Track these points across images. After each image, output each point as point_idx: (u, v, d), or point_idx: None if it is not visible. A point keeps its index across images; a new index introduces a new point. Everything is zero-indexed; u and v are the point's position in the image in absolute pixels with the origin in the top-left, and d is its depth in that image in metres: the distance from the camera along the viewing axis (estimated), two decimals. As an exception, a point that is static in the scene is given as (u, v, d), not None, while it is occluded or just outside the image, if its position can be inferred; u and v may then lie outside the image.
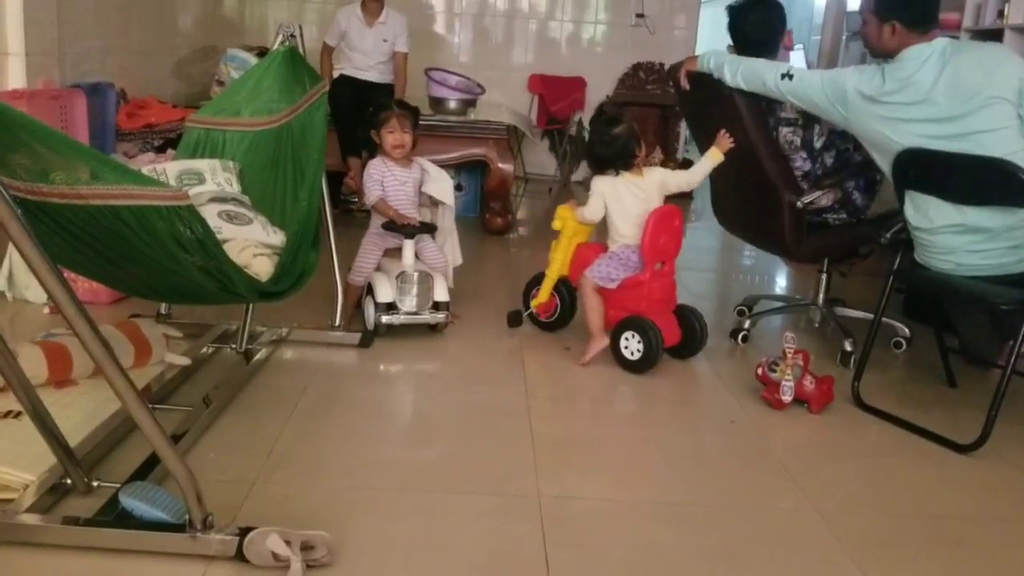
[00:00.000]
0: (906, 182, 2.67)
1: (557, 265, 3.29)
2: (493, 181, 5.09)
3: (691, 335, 3.13)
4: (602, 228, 3.23)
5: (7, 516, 1.80)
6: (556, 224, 3.27)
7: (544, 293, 3.31)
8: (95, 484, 1.98)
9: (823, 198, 3.15)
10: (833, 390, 2.78)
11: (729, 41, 3.38)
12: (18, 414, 2.17)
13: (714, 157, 3.09)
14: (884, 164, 2.76)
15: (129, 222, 1.63)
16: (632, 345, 2.98)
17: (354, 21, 5.22)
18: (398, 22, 5.30)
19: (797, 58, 6.42)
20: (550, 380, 2.96)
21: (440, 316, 3.25)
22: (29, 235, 1.41)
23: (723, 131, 3.09)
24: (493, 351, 3.22)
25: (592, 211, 3.11)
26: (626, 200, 3.05)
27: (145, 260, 1.80)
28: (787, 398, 2.72)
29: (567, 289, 3.34)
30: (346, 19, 5.24)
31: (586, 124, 7.12)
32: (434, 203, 3.50)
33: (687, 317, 3.13)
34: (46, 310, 3.20)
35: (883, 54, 2.79)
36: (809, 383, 2.74)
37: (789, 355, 2.73)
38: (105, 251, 1.79)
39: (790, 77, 2.92)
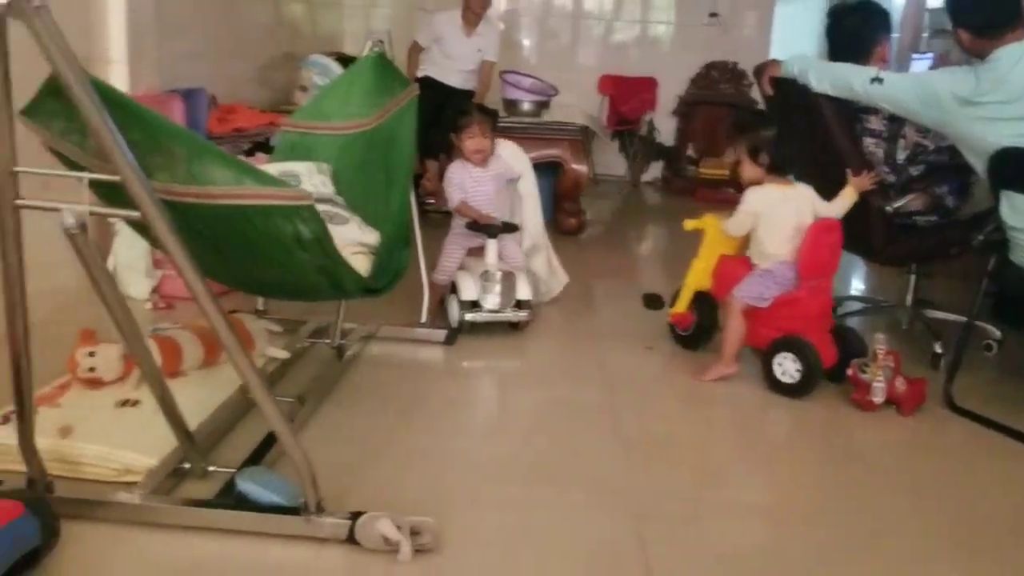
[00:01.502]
0: (1002, 182, 2.64)
1: (696, 275, 3.10)
2: (567, 182, 5.13)
3: (848, 357, 2.83)
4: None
5: (132, 497, 1.90)
6: (689, 224, 3.11)
7: (682, 303, 3.14)
8: (210, 469, 2.07)
9: (914, 202, 3.12)
10: (925, 392, 2.76)
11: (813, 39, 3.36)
12: (135, 403, 2.28)
13: (850, 197, 2.94)
14: (979, 165, 2.74)
15: (254, 221, 1.72)
16: (788, 367, 2.79)
17: (453, 29, 5.28)
18: (494, 32, 5.37)
19: (920, 66, 6.13)
20: (633, 378, 3.00)
21: (522, 314, 3.31)
22: (173, 233, 1.51)
23: (867, 172, 3.00)
24: (574, 350, 3.27)
25: (738, 226, 2.95)
26: (780, 213, 2.88)
27: (262, 257, 1.90)
28: (878, 400, 2.69)
29: (707, 303, 3.13)
30: (446, 25, 5.29)
31: (657, 125, 7.19)
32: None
33: (844, 336, 2.91)
34: (148, 306, 3.34)
35: (975, 55, 2.77)
36: (901, 385, 2.72)
37: (880, 356, 2.71)
38: (224, 248, 1.89)
39: (879, 81, 2.89)
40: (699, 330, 3.18)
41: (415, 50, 5.31)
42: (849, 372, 2.75)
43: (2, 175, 1.51)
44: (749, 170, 2.93)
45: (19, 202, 1.55)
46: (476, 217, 3.34)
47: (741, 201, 2.93)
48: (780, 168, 2.89)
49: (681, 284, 3.17)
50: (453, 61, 5.32)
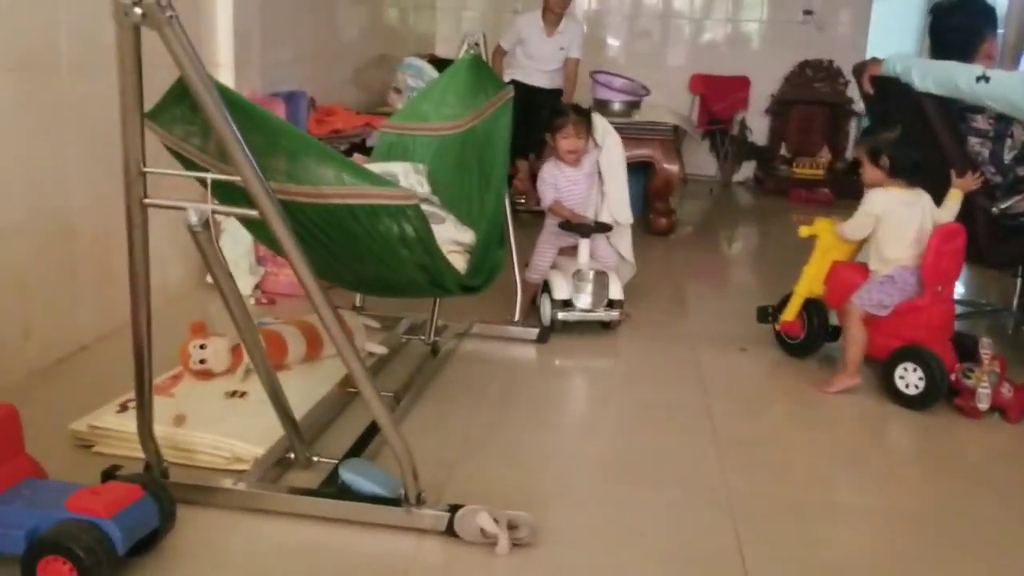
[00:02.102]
0: (1116, 182, 2.55)
1: (807, 281, 3.02)
2: (658, 182, 5.11)
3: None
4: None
5: (241, 485, 1.99)
6: (804, 231, 3.03)
7: (792, 311, 3.07)
8: (315, 459, 2.15)
9: (1021, 203, 3.02)
10: None
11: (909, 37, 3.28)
12: (243, 394, 2.38)
13: (956, 199, 2.87)
14: (1091, 165, 2.65)
15: (362, 219, 1.78)
16: (910, 378, 2.69)
17: (534, 30, 5.32)
18: (575, 30, 5.39)
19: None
20: (727, 379, 2.97)
21: (614, 314, 3.31)
22: (290, 231, 1.57)
23: (972, 173, 2.92)
24: (666, 350, 3.26)
25: (857, 229, 2.87)
26: (902, 218, 2.80)
27: (367, 255, 1.96)
28: (983, 406, 2.62)
29: (817, 310, 3.07)
30: (527, 27, 5.35)
31: (749, 124, 7.09)
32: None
33: (967, 346, 2.78)
34: (251, 301, 3.46)
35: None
36: (1007, 391, 2.64)
37: (985, 361, 2.63)
38: (331, 245, 1.95)
39: (986, 79, 2.81)
40: (809, 338, 3.10)
41: (499, 54, 5.35)
42: (952, 377, 2.68)
43: (133, 175, 1.60)
44: (870, 173, 2.86)
45: (147, 200, 1.65)
46: (568, 217, 3.36)
47: (862, 202, 2.86)
48: (901, 171, 2.80)
49: (789, 291, 3.10)
50: (536, 62, 5.35)
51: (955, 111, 3.06)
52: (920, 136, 3.02)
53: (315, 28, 4.77)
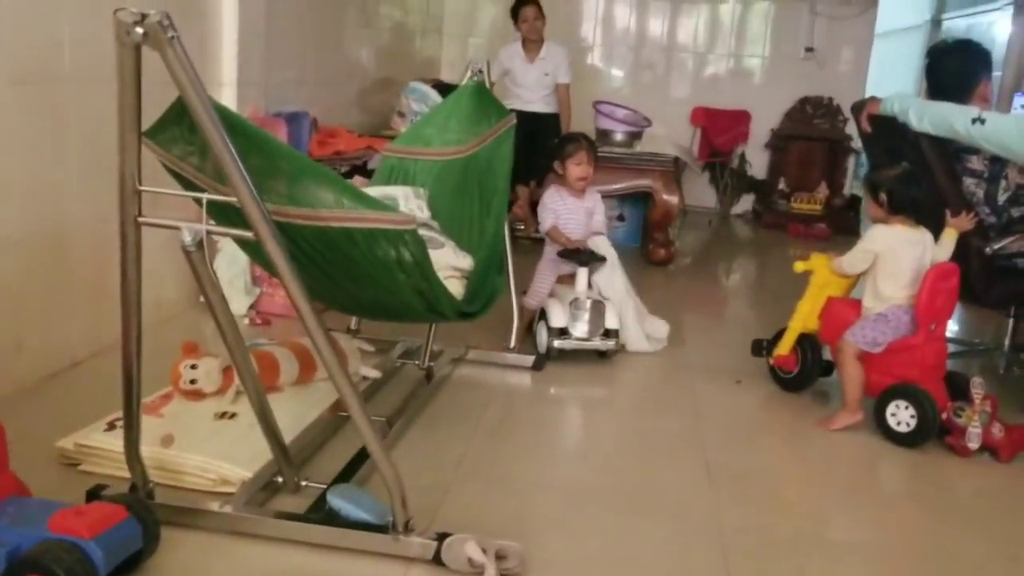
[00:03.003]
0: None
1: (802, 316, 3.01)
2: (658, 213, 5.12)
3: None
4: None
5: (227, 508, 1.97)
6: (799, 266, 3.01)
7: (785, 345, 3.06)
8: (303, 483, 2.13)
9: (1015, 243, 3.03)
10: None
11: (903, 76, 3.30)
12: (233, 415, 2.36)
13: (952, 237, 2.87)
14: (1085, 207, 2.66)
15: (359, 243, 1.77)
16: (902, 416, 2.69)
17: (516, 59, 5.42)
18: (558, 55, 5.45)
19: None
20: (721, 411, 2.96)
21: (610, 343, 3.30)
22: (285, 254, 1.57)
23: (966, 213, 2.93)
24: (662, 380, 3.25)
25: (854, 263, 2.87)
26: (903, 257, 2.79)
27: (364, 278, 1.95)
28: (973, 445, 2.61)
29: (811, 345, 3.07)
30: (508, 57, 5.44)
31: (749, 158, 7.12)
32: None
33: (959, 385, 2.79)
34: (246, 321, 3.45)
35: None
36: (998, 431, 2.64)
37: (977, 400, 2.63)
38: (328, 268, 1.95)
39: (982, 121, 2.83)
40: (803, 373, 3.09)
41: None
42: (943, 416, 2.67)
43: (128, 193, 1.60)
44: (871, 208, 2.87)
45: (141, 219, 1.64)
46: (565, 243, 3.36)
47: (863, 237, 2.87)
48: (900, 208, 2.79)
49: (784, 326, 3.09)
50: (526, 89, 5.42)
51: (951, 152, 3.07)
52: (921, 174, 3.03)
53: (320, 49, 4.80)
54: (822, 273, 2.97)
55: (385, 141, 3.88)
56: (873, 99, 3.24)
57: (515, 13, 5.48)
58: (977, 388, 2.66)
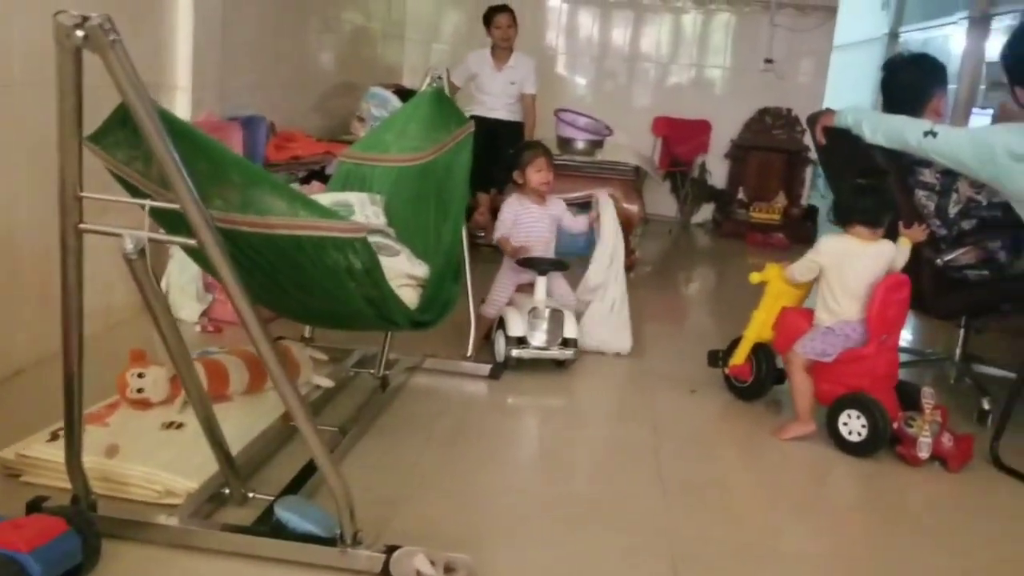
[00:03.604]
0: (1057, 240, 2.60)
1: (756, 326, 3.02)
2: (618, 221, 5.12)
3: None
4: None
5: (172, 520, 1.93)
6: (755, 277, 3.01)
7: (740, 355, 3.07)
8: (250, 495, 2.09)
9: (965, 256, 3.07)
10: (972, 449, 2.70)
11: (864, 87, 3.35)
12: (180, 425, 2.32)
13: (907, 245, 2.86)
14: (1033, 221, 2.70)
15: (308, 251, 1.75)
16: (854, 425, 2.71)
17: (484, 66, 5.43)
18: (526, 65, 5.47)
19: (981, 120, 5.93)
20: (676, 420, 2.97)
21: (568, 352, 3.30)
22: (228, 262, 1.54)
23: (918, 224, 2.95)
24: (619, 390, 3.25)
25: (802, 271, 2.86)
26: (851, 268, 2.77)
27: (313, 287, 1.93)
28: (924, 455, 2.63)
29: (765, 355, 3.08)
30: (477, 63, 5.46)
31: (709, 167, 7.18)
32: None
33: (910, 395, 2.79)
34: (198, 328, 3.40)
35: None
36: (947, 440, 2.66)
37: (927, 410, 2.66)
38: (276, 276, 1.92)
39: (934, 135, 2.86)
40: (757, 383, 3.10)
41: (451, 90, 5.41)
42: (894, 425, 2.69)
43: (68, 200, 1.56)
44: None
45: (82, 226, 1.60)
46: (510, 253, 3.37)
47: (813, 247, 2.88)
48: (847, 219, 2.80)
49: (739, 335, 3.10)
50: (490, 96, 5.45)
51: (904, 164, 3.11)
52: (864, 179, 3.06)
53: (279, 53, 4.75)
54: (777, 283, 2.99)
55: (344, 146, 3.85)
56: (828, 111, 3.27)
57: (488, 19, 5.48)
58: (928, 398, 2.68)
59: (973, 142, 2.81)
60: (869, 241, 2.79)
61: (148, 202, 1.60)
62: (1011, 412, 2.75)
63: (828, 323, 2.79)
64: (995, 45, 6.48)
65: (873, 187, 2.84)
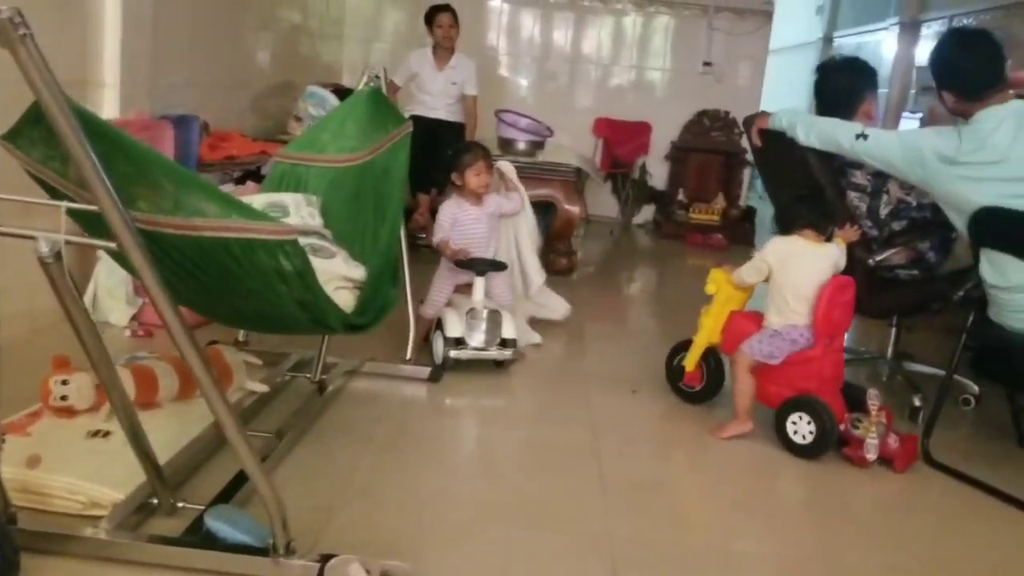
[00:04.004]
0: (982, 240, 2.66)
1: (706, 332, 3.01)
2: (559, 222, 5.13)
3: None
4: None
5: (97, 532, 1.86)
6: (710, 288, 3.00)
7: (691, 361, 3.06)
8: (179, 505, 2.03)
9: (896, 256, 3.13)
10: (917, 449, 2.73)
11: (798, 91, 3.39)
12: (106, 434, 2.24)
13: (841, 246, 2.88)
14: (960, 223, 2.76)
15: (236, 254, 1.70)
16: (802, 428, 2.72)
17: (425, 65, 5.42)
18: (467, 66, 5.46)
19: (911, 124, 6.03)
20: (617, 421, 2.97)
21: (507, 353, 3.28)
22: (150, 265, 1.49)
23: (850, 224, 2.99)
24: (558, 390, 3.24)
25: (752, 272, 2.86)
26: (805, 268, 2.78)
27: (243, 290, 1.87)
28: (871, 456, 2.64)
29: (715, 359, 3.09)
30: (418, 63, 5.44)
31: (649, 169, 7.23)
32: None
33: (855, 397, 2.81)
34: (127, 333, 3.30)
35: (959, 116, 2.81)
36: (893, 441, 2.68)
37: (873, 412, 2.67)
38: (205, 279, 1.86)
39: (864, 137, 2.91)
40: (707, 388, 3.11)
41: (391, 89, 5.38)
42: (841, 427, 2.71)
43: (-22, 201, 1.49)
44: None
45: (-6, 228, 1.53)
46: (449, 256, 3.35)
47: (761, 248, 2.88)
48: (788, 228, 2.83)
49: (682, 340, 3.11)
50: (431, 96, 5.45)
51: (836, 166, 3.16)
52: (803, 189, 3.11)
53: (213, 51, 4.65)
54: (725, 289, 2.98)
55: (281, 146, 3.78)
56: (763, 114, 3.31)
57: (429, 19, 5.46)
58: (873, 400, 2.69)
59: (903, 145, 2.87)
60: (815, 243, 2.81)
61: (64, 203, 1.53)
62: (941, 408, 2.81)
63: (776, 326, 2.80)
64: (925, 50, 6.64)
65: (814, 196, 2.88)
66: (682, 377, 3.13)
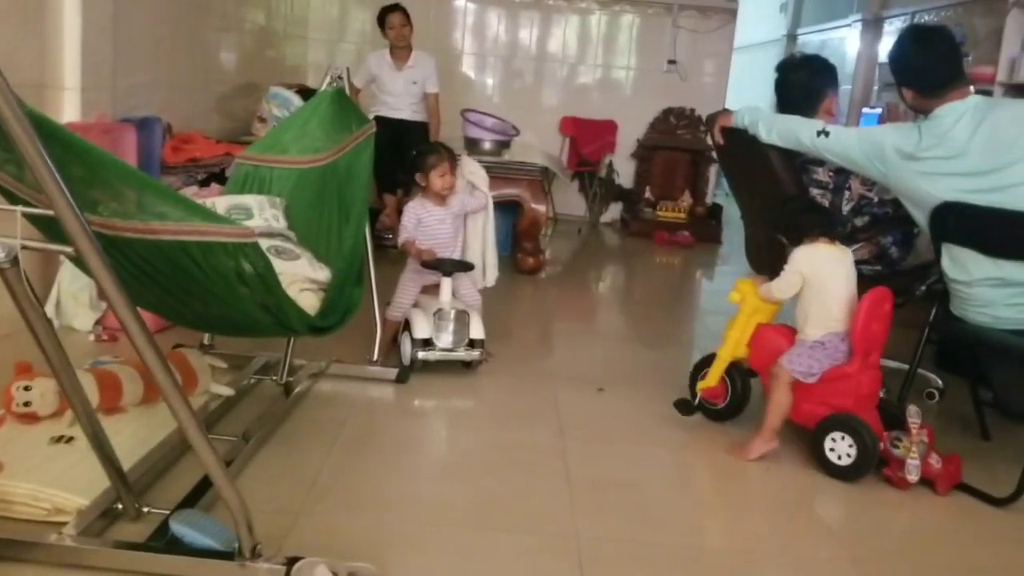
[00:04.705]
0: (943, 235, 2.70)
1: (731, 345, 2.88)
2: (526, 221, 5.15)
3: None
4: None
5: (61, 539, 1.85)
6: (733, 297, 2.87)
7: (714, 376, 2.92)
8: (144, 510, 2.02)
9: (858, 252, 3.17)
10: (961, 470, 2.62)
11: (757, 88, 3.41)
12: (70, 439, 2.22)
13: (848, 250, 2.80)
14: (921, 218, 2.80)
15: (196, 257, 1.69)
16: (841, 448, 2.59)
17: (384, 66, 5.41)
18: (426, 64, 5.45)
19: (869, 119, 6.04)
20: (584, 421, 2.98)
21: (475, 353, 3.29)
22: (108, 269, 1.48)
23: None
24: (526, 390, 3.25)
25: (785, 287, 2.73)
26: (830, 275, 2.69)
27: (205, 293, 1.87)
28: (912, 477, 2.53)
29: (739, 373, 2.95)
30: (376, 64, 5.44)
31: (616, 167, 7.27)
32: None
33: (890, 413, 2.73)
34: (91, 338, 3.27)
35: (919, 112, 2.85)
36: (935, 462, 2.57)
37: (914, 431, 2.55)
38: (166, 283, 1.85)
39: (826, 134, 2.94)
40: (732, 404, 2.98)
41: (352, 92, 5.38)
42: (881, 447, 2.60)
43: (-66, 206, 1.47)
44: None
45: (-51, 233, 1.51)
46: (415, 255, 3.35)
47: (789, 261, 2.75)
48: (798, 238, 2.75)
49: (707, 355, 3.01)
50: (393, 97, 5.44)
51: (798, 163, 3.19)
52: (765, 186, 3.14)
53: (176, 52, 4.62)
54: (751, 300, 2.85)
55: (245, 148, 3.76)
56: (725, 112, 3.33)
57: (381, 20, 5.45)
58: (914, 417, 2.57)
59: (863, 141, 2.90)
60: (832, 247, 2.75)
61: (21, 208, 1.52)
62: (906, 401, 2.85)
63: (816, 336, 2.69)
64: (887, 46, 6.73)
65: (814, 204, 2.88)
66: (693, 400, 2.99)
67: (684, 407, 3.01)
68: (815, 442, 2.67)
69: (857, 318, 2.63)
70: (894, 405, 2.81)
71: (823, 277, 2.69)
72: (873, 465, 2.58)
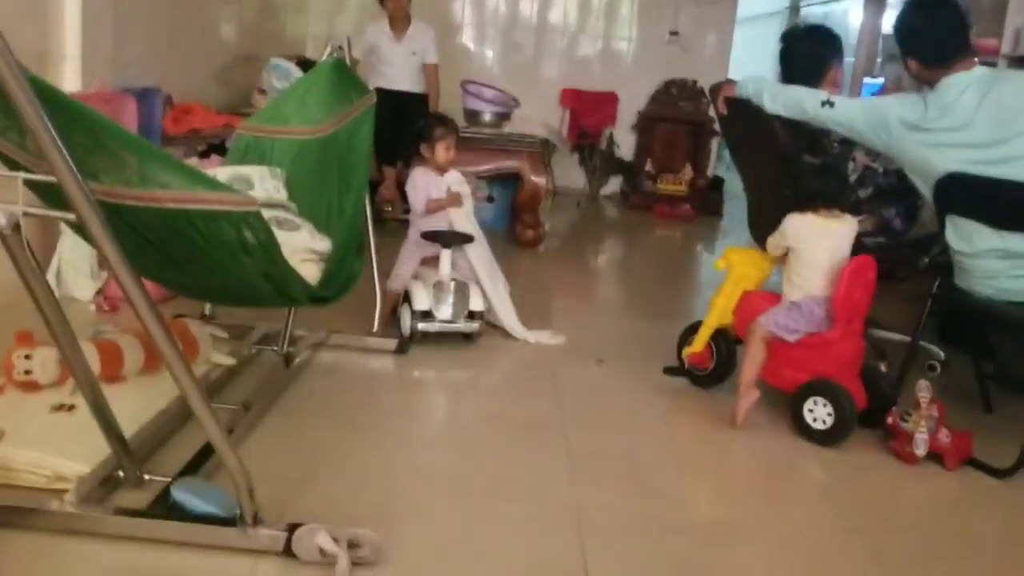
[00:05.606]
0: (948, 207, 2.69)
1: (718, 311, 2.92)
2: (525, 194, 5.13)
3: (878, 401, 2.73)
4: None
5: (63, 506, 1.86)
6: (719, 264, 2.94)
7: (700, 342, 2.96)
8: (146, 477, 2.03)
9: (862, 223, 3.15)
10: (972, 446, 2.61)
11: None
12: (71, 407, 2.23)
13: (854, 220, 2.82)
14: (925, 189, 2.79)
15: (199, 226, 1.69)
16: (819, 412, 2.63)
17: (383, 37, 5.35)
18: (425, 34, 5.40)
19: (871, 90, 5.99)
20: (582, 391, 2.99)
21: (474, 325, 3.30)
22: (110, 237, 1.47)
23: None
24: (525, 361, 3.26)
25: (770, 247, 2.82)
26: (813, 246, 2.73)
27: (207, 262, 1.87)
28: (920, 452, 2.53)
29: (725, 341, 2.98)
30: (375, 35, 5.37)
31: (617, 139, 7.23)
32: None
33: (874, 380, 2.77)
34: (93, 308, 3.27)
35: (924, 83, 2.83)
36: (945, 437, 2.56)
37: (924, 405, 2.55)
38: (169, 252, 1.85)
39: (831, 104, 2.92)
40: (718, 369, 3.02)
41: (351, 63, 5.35)
42: (889, 420, 2.61)
43: (-64, 173, 1.47)
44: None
45: (-53, 200, 1.51)
46: (451, 201, 3.38)
47: (782, 223, 2.79)
48: (803, 203, 2.76)
49: (692, 323, 3.04)
50: (392, 68, 5.38)
51: (803, 133, 3.17)
52: (773, 156, 3.13)
53: (176, 23, 4.58)
54: (738, 267, 2.90)
55: (245, 119, 3.74)
56: (729, 82, 3.30)
57: None
58: (924, 392, 2.57)
59: (868, 111, 2.89)
60: (831, 219, 2.76)
61: (21, 174, 1.52)
62: (906, 375, 2.85)
63: (794, 298, 2.74)
64: (891, 18, 6.68)
65: (826, 169, 2.85)
66: (680, 365, 3.05)
67: (673, 372, 3.10)
68: (795, 406, 2.70)
69: (840, 286, 2.66)
70: (888, 377, 2.82)
71: (807, 248, 2.74)
72: (850, 431, 2.62)
